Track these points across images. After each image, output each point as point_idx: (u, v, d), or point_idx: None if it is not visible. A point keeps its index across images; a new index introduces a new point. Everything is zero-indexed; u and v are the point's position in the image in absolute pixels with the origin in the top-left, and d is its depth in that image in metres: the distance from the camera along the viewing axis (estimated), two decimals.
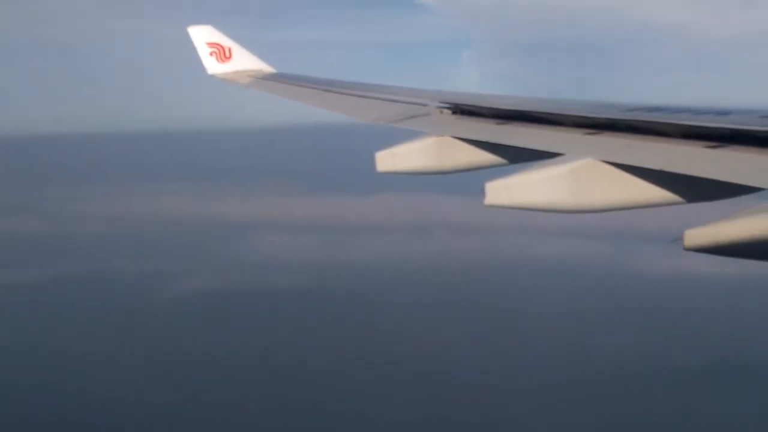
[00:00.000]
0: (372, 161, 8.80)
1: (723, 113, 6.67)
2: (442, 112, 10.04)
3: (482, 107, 9.35)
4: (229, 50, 19.78)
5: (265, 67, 19.61)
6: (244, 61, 19.73)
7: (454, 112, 9.86)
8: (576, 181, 6.40)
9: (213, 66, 19.74)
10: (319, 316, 54.95)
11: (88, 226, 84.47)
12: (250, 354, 47.88)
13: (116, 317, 55.07)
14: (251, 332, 51.94)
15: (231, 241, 76.88)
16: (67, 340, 50.52)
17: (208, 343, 49.73)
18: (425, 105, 10.54)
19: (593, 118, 7.60)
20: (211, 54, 19.73)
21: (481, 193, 6.52)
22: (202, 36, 19.83)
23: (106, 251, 73.59)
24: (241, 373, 44.91)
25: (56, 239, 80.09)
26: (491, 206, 6.49)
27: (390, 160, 8.79)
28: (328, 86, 15.08)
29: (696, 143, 6.31)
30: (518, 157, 7.89)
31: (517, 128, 8.40)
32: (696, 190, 6.20)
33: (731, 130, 6.18)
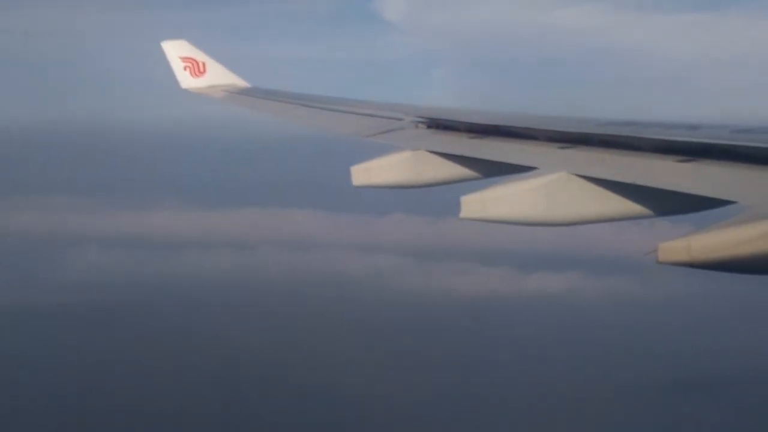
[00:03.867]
0: (347, 175, 8.81)
1: (694, 128, 6.77)
2: (417, 126, 10.08)
3: (457, 122, 9.40)
4: (203, 65, 19.72)
5: (240, 82, 19.56)
6: (218, 76, 19.67)
7: (429, 127, 9.91)
8: (549, 195, 6.45)
9: (187, 80, 19.66)
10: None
11: None
12: None
13: None
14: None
15: (66, 257, 74.55)
16: None
17: None
18: (401, 119, 10.58)
19: (566, 132, 7.68)
20: (185, 68, 19.64)
21: (455, 207, 6.57)
22: (175, 50, 19.75)
23: None
24: None
25: None
26: (466, 219, 6.53)
27: (365, 174, 8.82)
28: (303, 101, 15.08)
29: (667, 157, 6.39)
30: (493, 171, 7.94)
31: (491, 142, 8.46)
32: (668, 203, 6.28)
33: (702, 144, 6.27)
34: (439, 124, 9.77)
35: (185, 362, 48.42)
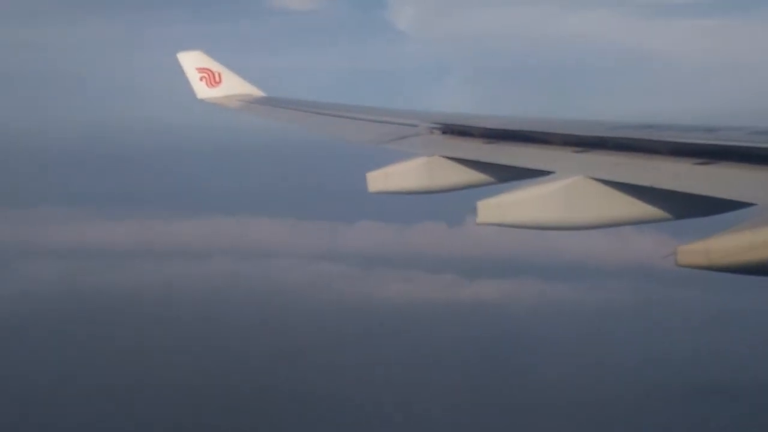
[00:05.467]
0: (363, 182, 8.83)
1: (710, 130, 6.73)
2: (432, 132, 10.09)
3: (472, 127, 9.40)
4: (219, 75, 19.84)
5: (255, 91, 19.66)
6: (234, 86, 19.78)
7: (444, 132, 9.91)
8: (566, 199, 6.43)
9: (203, 91, 19.79)
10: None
11: None
12: None
13: None
14: None
15: (28, 268, 73.23)
16: None
17: None
18: (415, 126, 10.59)
19: (582, 136, 7.65)
20: (200, 79, 19.78)
21: (471, 212, 6.56)
22: (191, 61, 19.89)
23: None
24: None
25: None
26: (483, 224, 6.52)
27: (381, 180, 8.83)
28: (319, 109, 15.13)
29: (684, 160, 6.36)
30: (509, 175, 7.92)
31: (507, 147, 8.44)
32: (685, 206, 6.24)
33: (719, 146, 6.23)
34: (454, 130, 9.77)
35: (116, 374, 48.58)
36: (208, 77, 19.80)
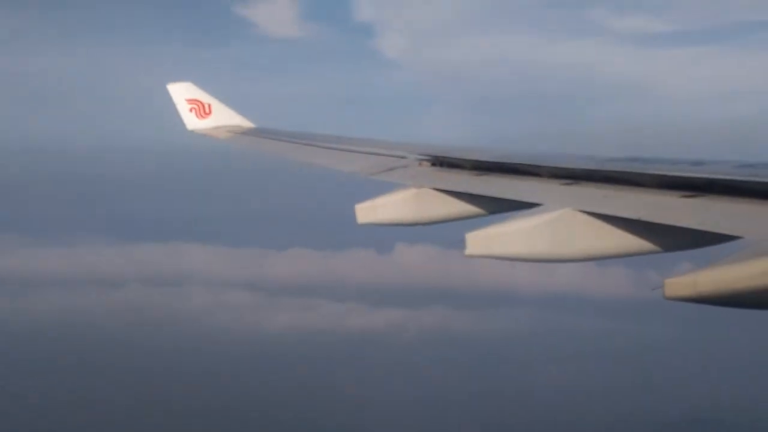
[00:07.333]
0: (352, 213, 8.83)
1: (698, 163, 6.78)
2: (421, 164, 10.11)
3: (461, 159, 9.43)
4: (209, 106, 19.89)
5: (245, 122, 19.70)
6: (223, 117, 19.82)
7: (434, 164, 9.94)
8: (554, 231, 6.45)
9: (193, 122, 19.81)
10: None
11: None
12: None
13: None
14: None
15: None
16: None
17: None
18: (404, 157, 10.62)
19: (570, 168, 7.69)
20: (190, 110, 19.81)
21: (460, 243, 6.57)
22: (181, 92, 19.94)
23: None
24: None
25: None
26: (472, 256, 6.52)
27: (370, 212, 8.83)
28: (307, 140, 15.16)
29: (672, 193, 6.39)
30: (497, 207, 7.94)
31: (495, 179, 8.47)
32: (673, 239, 6.26)
33: (707, 179, 6.27)
34: (442, 162, 9.81)
35: None
36: (198, 108, 19.83)
